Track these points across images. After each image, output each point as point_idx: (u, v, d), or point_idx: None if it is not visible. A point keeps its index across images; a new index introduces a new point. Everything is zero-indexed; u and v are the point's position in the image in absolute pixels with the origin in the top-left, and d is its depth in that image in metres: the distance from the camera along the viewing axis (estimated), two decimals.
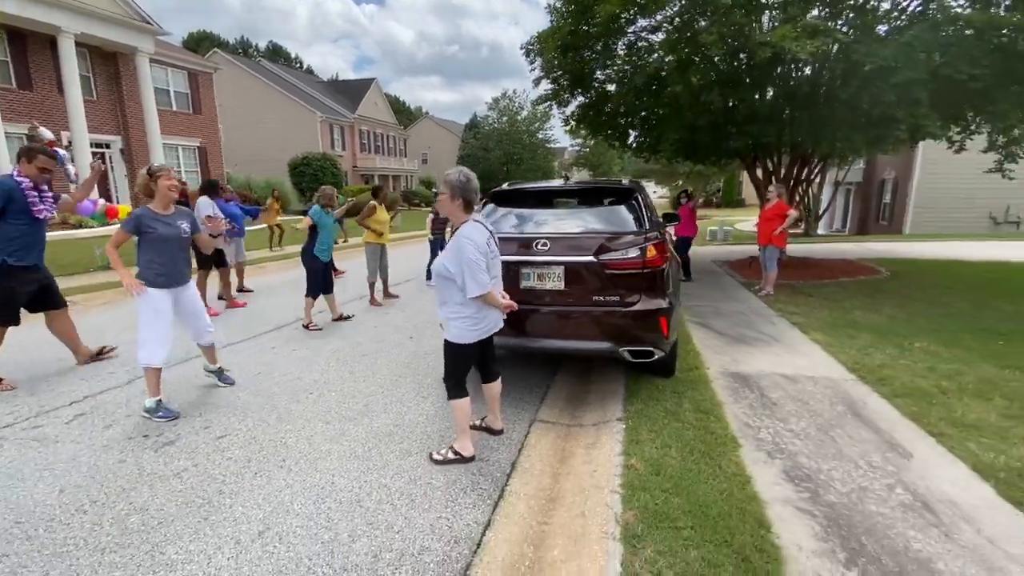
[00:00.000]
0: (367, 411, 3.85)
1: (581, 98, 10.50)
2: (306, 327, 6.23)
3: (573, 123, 10.76)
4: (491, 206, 4.24)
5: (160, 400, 3.75)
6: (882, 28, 7.75)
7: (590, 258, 3.54)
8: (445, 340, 2.97)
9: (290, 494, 2.78)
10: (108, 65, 18.16)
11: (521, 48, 9.75)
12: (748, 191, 40.07)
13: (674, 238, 10.66)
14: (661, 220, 4.59)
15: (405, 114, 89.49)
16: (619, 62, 9.38)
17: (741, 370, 4.54)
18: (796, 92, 7.74)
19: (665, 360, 4.10)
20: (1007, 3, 6.82)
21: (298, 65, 76.96)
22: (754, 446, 3.15)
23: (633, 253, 3.52)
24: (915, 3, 7.89)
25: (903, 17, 7.75)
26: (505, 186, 4.42)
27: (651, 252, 3.53)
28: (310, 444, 3.37)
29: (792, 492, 2.67)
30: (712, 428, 3.33)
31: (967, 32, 6.78)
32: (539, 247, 3.61)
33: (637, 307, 3.54)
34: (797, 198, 10.94)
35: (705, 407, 3.66)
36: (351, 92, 38.86)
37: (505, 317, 3.04)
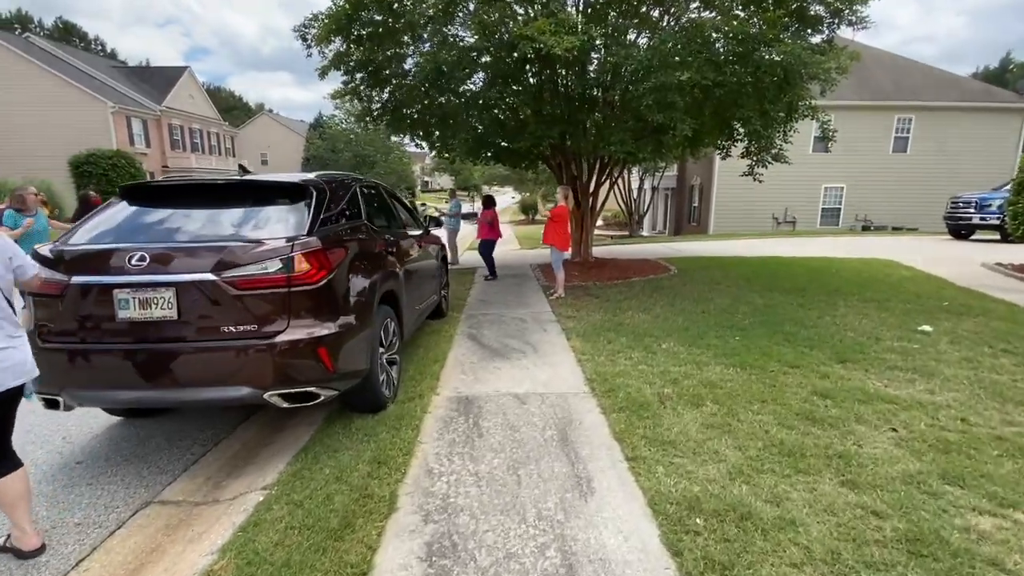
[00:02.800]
0: None
1: (386, 93, 9.63)
2: None
3: (369, 119, 9.80)
4: (122, 204, 3.15)
5: None
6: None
7: (208, 276, 2.64)
8: None
9: None
10: None
11: (295, 31, 8.54)
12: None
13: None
14: (376, 224, 3.84)
15: (244, 111, 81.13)
16: (409, 53, 8.67)
17: (475, 392, 3.98)
18: (573, 93, 7.67)
19: (363, 395, 3.37)
20: (761, 22, 7.35)
21: (99, 48, 65.80)
22: (415, 507, 2.49)
23: (273, 266, 2.69)
24: (685, 16, 8.32)
25: (668, 26, 8.09)
26: (158, 180, 3.35)
27: (301, 265, 2.74)
28: None
29: None
30: (374, 489, 2.62)
31: (716, 44, 7.18)
32: (134, 263, 2.62)
33: (282, 338, 2.71)
34: (599, 202, 11.19)
35: (389, 455, 2.95)
36: (158, 81, 33.55)
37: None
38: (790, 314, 6.23)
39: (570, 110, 7.86)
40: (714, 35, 7.10)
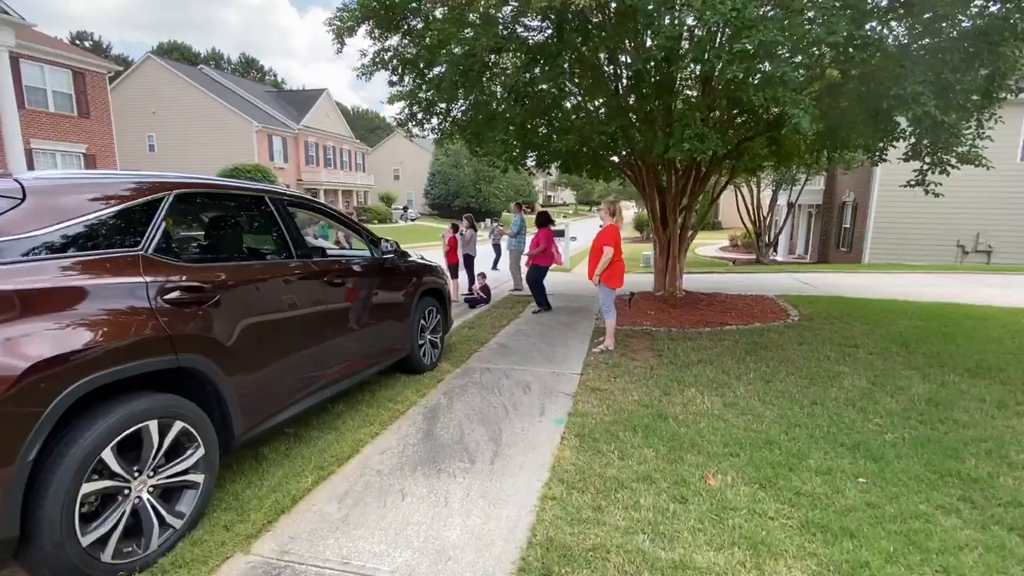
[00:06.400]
0: None
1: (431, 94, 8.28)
2: None
3: (412, 124, 8.46)
4: None
5: None
6: None
7: None
8: None
9: None
10: None
11: (326, 24, 7.48)
12: (725, 213, 37.21)
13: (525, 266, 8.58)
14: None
15: (386, 130, 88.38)
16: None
17: (308, 558, 2.24)
18: (632, 71, 5.56)
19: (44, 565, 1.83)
20: None
21: (272, 77, 75.36)
22: None
23: None
24: None
25: None
26: None
27: None
28: None
29: None
30: None
31: None
32: None
33: None
34: (690, 220, 8.77)
35: None
36: (299, 102, 36.76)
37: None
38: (977, 422, 3.55)
39: (637, 95, 5.77)
40: None
